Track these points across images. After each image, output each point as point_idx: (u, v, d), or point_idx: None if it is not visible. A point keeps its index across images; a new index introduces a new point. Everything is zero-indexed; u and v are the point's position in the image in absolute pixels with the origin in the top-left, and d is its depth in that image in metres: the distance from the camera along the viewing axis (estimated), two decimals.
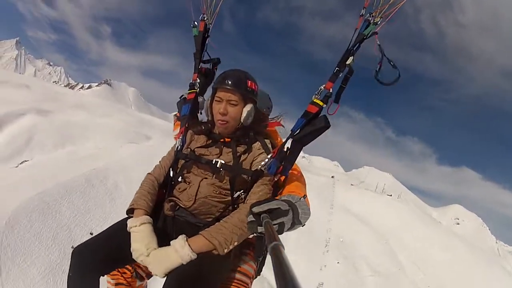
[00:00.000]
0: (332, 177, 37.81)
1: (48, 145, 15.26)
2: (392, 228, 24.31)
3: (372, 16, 2.24)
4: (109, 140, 18.44)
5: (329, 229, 21.07)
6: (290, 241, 18.23)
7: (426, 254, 22.74)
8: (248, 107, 2.48)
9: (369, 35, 2.24)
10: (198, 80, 2.94)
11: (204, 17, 2.99)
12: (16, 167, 12.47)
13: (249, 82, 2.51)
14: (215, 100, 2.51)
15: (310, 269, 16.69)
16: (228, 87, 2.42)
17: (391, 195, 40.64)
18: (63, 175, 10.46)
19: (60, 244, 7.56)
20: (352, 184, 42.02)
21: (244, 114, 2.46)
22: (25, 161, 13.27)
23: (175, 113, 3.34)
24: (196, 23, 3.01)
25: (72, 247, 7.56)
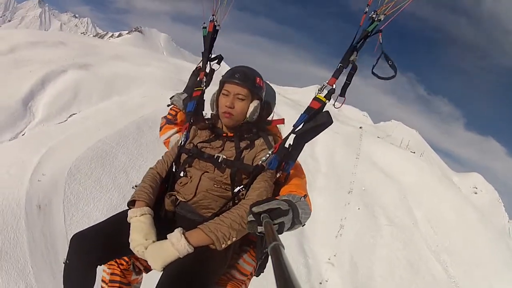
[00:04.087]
0: (360, 127, 36.63)
1: (94, 98, 16.27)
2: (412, 184, 24.52)
3: (376, 13, 2.26)
4: (152, 89, 19.37)
5: (353, 177, 21.65)
6: (318, 182, 19.06)
7: (440, 215, 23.12)
8: (255, 103, 2.51)
9: (373, 32, 2.26)
10: (205, 79, 3.01)
11: (214, 18, 3.07)
12: (65, 120, 13.45)
13: (258, 79, 2.55)
14: (222, 94, 2.53)
15: (333, 212, 17.50)
16: (237, 81, 2.46)
17: (414, 152, 40.29)
18: (115, 124, 11.64)
19: (119, 187, 8.61)
20: (378, 137, 41.08)
21: (250, 110, 2.49)
22: (74, 114, 14.31)
23: (168, 103, 3.36)
24: (205, 24, 3.10)
25: (132, 187, 8.52)
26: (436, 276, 17.47)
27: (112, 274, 2.46)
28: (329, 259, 15.02)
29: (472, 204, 29.36)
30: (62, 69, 17.41)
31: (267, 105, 2.87)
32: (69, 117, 13.96)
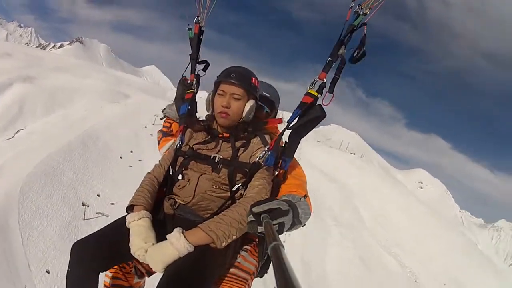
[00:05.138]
0: None
1: (38, 111, 16.04)
2: (355, 185, 25.51)
3: (361, 8, 2.28)
4: (94, 101, 19.38)
5: None
6: None
7: (385, 211, 24.14)
8: (251, 102, 2.49)
9: (358, 25, 2.30)
10: (195, 81, 3.00)
11: (199, 20, 3.03)
12: (13, 137, 13.13)
13: (253, 78, 2.54)
14: (218, 94, 2.51)
15: None
16: (233, 81, 2.44)
17: (354, 154, 41.35)
18: (60, 139, 11.51)
19: (69, 203, 8.46)
20: (318, 141, 42.78)
21: (246, 109, 2.47)
22: (20, 129, 14.02)
23: (161, 117, 3.36)
24: (191, 26, 3.05)
25: (82, 203, 8.58)
26: (391, 269, 17.97)
27: (114, 278, 2.46)
28: None
29: (418, 198, 30.52)
30: (9, 82, 17.21)
31: (271, 105, 2.99)
32: (16, 133, 13.64)
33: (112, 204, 9.35)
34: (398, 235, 22.41)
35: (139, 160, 12.91)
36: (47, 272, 6.40)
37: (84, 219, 8.25)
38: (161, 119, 3.30)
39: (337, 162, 28.48)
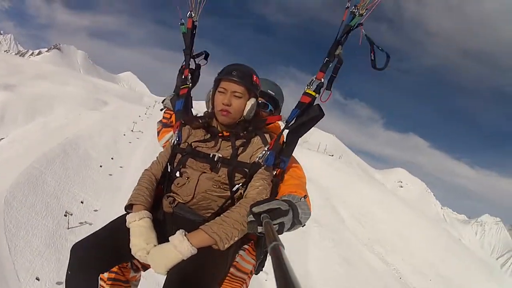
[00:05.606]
0: None
1: (19, 119, 16.19)
2: (333, 186, 25.65)
3: (357, 8, 2.27)
4: (73, 109, 19.53)
5: None
6: None
7: (365, 210, 24.41)
8: (252, 100, 2.44)
9: (355, 26, 2.28)
10: (190, 76, 2.93)
11: (192, 15, 2.96)
12: None
13: (254, 76, 2.48)
14: (219, 91, 2.44)
15: None
16: (235, 79, 2.38)
17: (332, 155, 41.63)
18: (41, 147, 11.57)
19: (52, 212, 8.48)
20: None
21: (247, 107, 2.42)
22: (2, 138, 14.13)
23: (159, 119, 3.30)
24: (183, 21, 2.99)
25: (65, 212, 8.56)
26: (374, 266, 18.22)
27: (110, 272, 2.43)
28: None
29: (398, 196, 30.82)
30: None
31: (275, 104, 2.97)
32: None
33: (96, 210, 9.36)
34: (380, 234, 22.69)
35: (120, 167, 12.95)
36: (37, 279, 6.45)
37: (68, 228, 8.26)
38: (161, 110, 3.27)
39: (315, 164, 28.38)
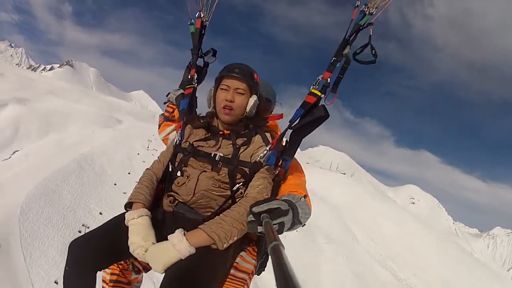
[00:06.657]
0: None
1: (33, 134, 16.26)
2: (345, 203, 25.61)
3: (368, 7, 2.23)
4: (86, 126, 19.63)
5: None
6: None
7: (377, 227, 24.30)
8: (254, 97, 2.44)
9: (364, 25, 2.24)
10: (196, 76, 2.91)
11: (201, 15, 2.98)
12: (10, 158, 13.37)
13: (255, 74, 2.50)
14: (221, 89, 2.45)
15: None
16: (237, 76, 2.39)
17: (344, 174, 41.63)
18: (56, 162, 11.62)
19: (69, 224, 8.48)
20: (307, 163, 43.29)
21: (250, 104, 2.43)
22: (16, 151, 14.26)
23: (161, 112, 3.32)
24: (193, 20, 3.00)
25: (82, 225, 8.56)
26: (386, 281, 18.03)
27: (112, 274, 2.43)
28: None
29: (410, 213, 30.60)
30: (3, 103, 17.48)
31: (268, 102, 2.91)
32: (12, 154, 13.86)
33: None
34: (392, 249, 22.53)
35: (136, 182, 12.58)
36: (56, 283, 6.45)
37: None
38: (165, 103, 3.25)
39: (327, 182, 28.49)
